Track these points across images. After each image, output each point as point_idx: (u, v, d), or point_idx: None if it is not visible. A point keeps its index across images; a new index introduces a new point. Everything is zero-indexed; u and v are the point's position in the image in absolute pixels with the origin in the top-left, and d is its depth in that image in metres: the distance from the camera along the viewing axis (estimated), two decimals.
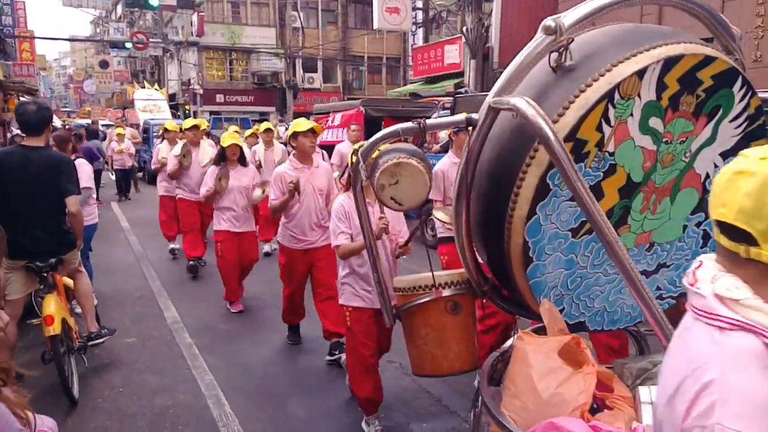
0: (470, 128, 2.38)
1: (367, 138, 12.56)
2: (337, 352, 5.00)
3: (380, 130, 6.88)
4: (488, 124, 2.30)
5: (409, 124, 2.47)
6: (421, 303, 2.79)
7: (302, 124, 4.96)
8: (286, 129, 18.90)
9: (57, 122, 19.15)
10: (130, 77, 44.13)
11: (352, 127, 9.55)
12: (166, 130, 9.25)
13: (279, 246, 5.30)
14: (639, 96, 2.18)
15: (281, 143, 9.74)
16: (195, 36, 31.85)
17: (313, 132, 4.94)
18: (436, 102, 12.87)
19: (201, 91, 31.90)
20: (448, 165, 4.89)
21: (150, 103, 24.68)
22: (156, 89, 27.52)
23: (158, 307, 6.53)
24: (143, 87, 28.39)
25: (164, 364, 5.07)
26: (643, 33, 2.33)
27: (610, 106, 2.15)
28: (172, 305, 6.57)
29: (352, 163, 2.81)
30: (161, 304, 6.65)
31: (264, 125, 9.15)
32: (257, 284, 7.04)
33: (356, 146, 3.65)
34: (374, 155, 2.63)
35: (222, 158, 6.25)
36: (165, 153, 8.52)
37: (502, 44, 22.05)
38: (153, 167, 9.02)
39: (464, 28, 20.38)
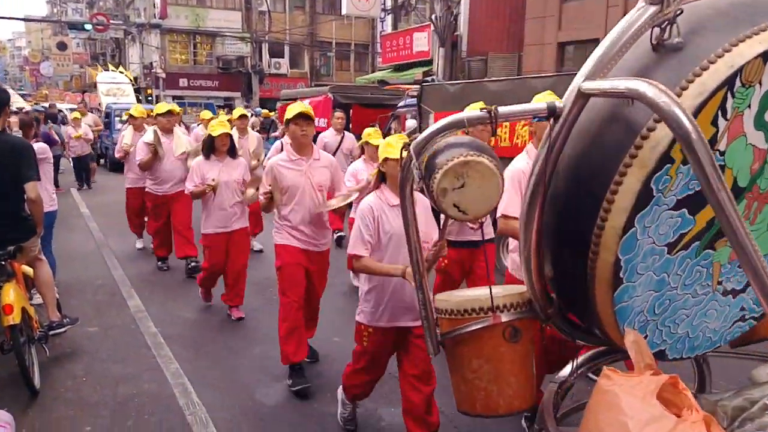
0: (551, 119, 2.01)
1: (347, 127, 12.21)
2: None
3: (348, 117, 6.56)
4: (575, 113, 1.95)
5: (477, 112, 2.07)
6: (475, 330, 2.31)
7: (291, 109, 4.30)
8: (253, 115, 18.71)
9: (24, 105, 18.56)
10: (89, 60, 43.03)
11: (337, 114, 9.35)
12: (131, 116, 8.39)
13: (276, 248, 4.47)
14: (760, 83, 1.83)
15: (255, 131, 9.60)
16: (158, 18, 31.17)
17: (305, 118, 4.25)
18: (404, 90, 12.84)
19: (164, 75, 31.30)
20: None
21: (114, 87, 23.80)
22: (121, 72, 26.67)
23: (121, 296, 6.41)
24: (107, 69, 27.59)
25: (128, 353, 4.98)
26: (760, 7, 1.95)
27: (729, 95, 1.79)
28: (135, 294, 6.45)
29: (400, 158, 2.49)
30: (124, 292, 6.52)
31: (238, 111, 8.72)
32: None
33: (390, 139, 3.37)
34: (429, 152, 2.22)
35: (210, 149, 5.63)
36: (129, 140, 7.93)
37: (471, 33, 22.10)
38: (116, 155, 8.50)
39: (433, 16, 20.35)
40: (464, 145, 2.10)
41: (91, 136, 15.02)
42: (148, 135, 7.18)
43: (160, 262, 7.50)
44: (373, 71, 31.32)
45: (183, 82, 32.53)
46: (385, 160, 3.32)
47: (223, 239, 5.64)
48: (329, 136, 8.95)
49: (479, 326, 2.29)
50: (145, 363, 4.78)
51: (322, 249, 4.54)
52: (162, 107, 7.40)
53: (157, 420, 3.95)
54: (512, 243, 3.87)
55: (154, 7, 31.61)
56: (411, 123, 9.48)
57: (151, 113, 8.54)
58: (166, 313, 5.93)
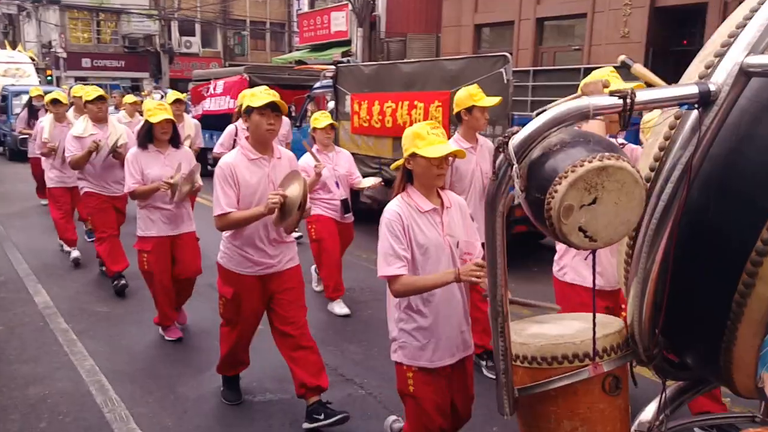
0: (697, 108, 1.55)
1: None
2: (322, 417, 3.55)
3: None
4: (733, 97, 1.53)
5: (605, 98, 1.55)
6: (570, 384, 1.80)
7: (258, 96, 3.36)
8: (162, 96, 17.98)
9: None
10: None
11: None
12: (54, 101, 7.09)
13: (219, 271, 3.70)
14: None
15: (194, 117, 9.09)
16: None
17: (273, 109, 3.37)
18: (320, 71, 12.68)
19: (65, 55, 29.59)
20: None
21: (12, 67, 21.96)
22: (21, 50, 24.71)
23: (27, 292, 6.03)
24: (3, 48, 25.66)
25: (38, 351, 4.70)
26: None
27: None
28: (43, 289, 6.09)
29: (446, 158, 2.15)
30: (30, 288, 6.14)
31: (173, 95, 7.65)
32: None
33: (421, 127, 2.68)
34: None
35: (148, 138, 4.73)
36: (49, 133, 6.91)
37: (389, 13, 22.09)
38: (38, 152, 7.38)
39: None
40: (593, 144, 1.56)
41: None
42: (79, 126, 5.99)
43: (116, 282, 6.02)
44: (290, 51, 30.79)
45: (86, 62, 30.81)
46: (413, 156, 2.65)
47: (165, 243, 4.79)
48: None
49: (575, 380, 1.79)
50: (57, 361, 4.53)
51: (288, 267, 3.74)
52: (91, 92, 6.02)
53: (72, 419, 3.76)
54: (560, 248, 3.51)
55: None
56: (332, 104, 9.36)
57: (63, 97, 7.34)
58: (77, 308, 5.63)
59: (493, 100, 4.37)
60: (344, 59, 17.91)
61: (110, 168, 5.95)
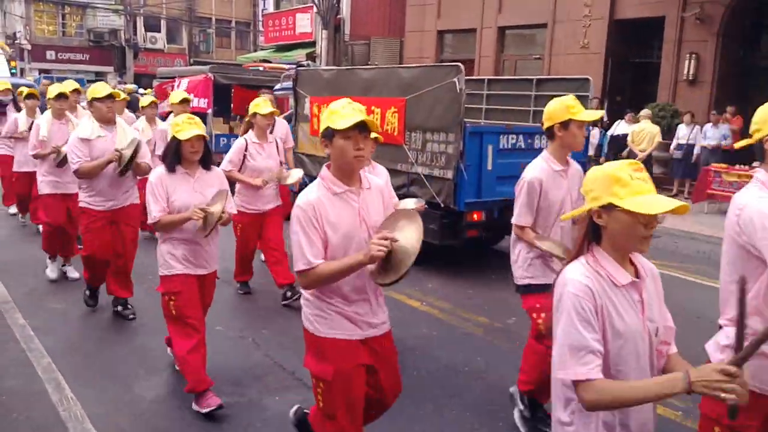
0: None
1: (218, 107, 12.04)
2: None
3: (229, 98, 6.31)
4: None
5: None
6: None
7: (340, 114, 2.60)
8: (136, 92, 17.71)
9: None
10: None
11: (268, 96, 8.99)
12: (60, 95, 6.23)
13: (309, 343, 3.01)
14: None
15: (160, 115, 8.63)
16: None
17: (361, 130, 2.59)
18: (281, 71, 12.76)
19: (29, 47, 29.03)
20: (547, 173, 3.54)
21: None
22: None
23: None
24: None
25: None
26: None
27: None
28: (0, 283, 6.07)
29: None
30: None
31: (149, 98, 7.67)
32: None
33: None
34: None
35: (177, 159, 3.93)
36: (46, 131, 6.20)
37: (354, 17, 22.24)
38: (32, 152, 6.27)
39: None
40: None
41: None
42: (85, 127, 5.07)
43: (121, 308, 5.51)
44: (255, 50, 30.67)
45: (50, 54, 30.26)
46: (610, 207, 1.89)
47: (192, 283, 4.04)
48: None
49: None
50: (12, 357, 4.54)
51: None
52: (100, 89, 5.11)
53: (26, 417, 3.78)
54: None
55: None
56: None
57: (74, 85, 6.93)
58: (35, 305, 5.64)
59: (596, 114, 3.85)
60: (305, 62, 17.92)
61: (117, 179, 5.14)
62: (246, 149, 5.67)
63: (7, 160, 8.34)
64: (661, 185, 13.24)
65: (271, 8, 27.57)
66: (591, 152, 11.53)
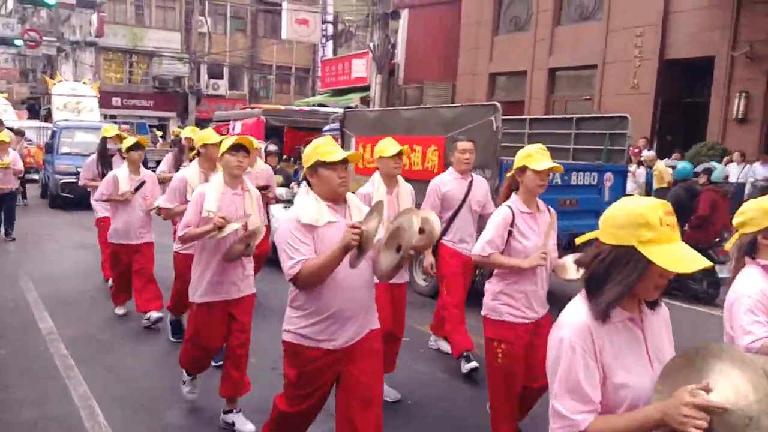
0: None
1: (280, 149, 12.25)
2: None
3: (281, 139, 6.29)
4: None
5: None
6: None
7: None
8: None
9: None
10: (18, 76, 41.63)
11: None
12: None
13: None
14: None
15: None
16: (94, 36, 30.57)
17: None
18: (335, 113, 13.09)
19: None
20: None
21: (74, 100, 19.59)
22: (85, 83, 22.46)
23: (33, 318, 6.29)
24: (65, 80, 23.95)
25: (36, 376, 4.91)
26: None
27: None
28: (48, 316, 6.34)
29: None
30: (36, 315, 6.39)
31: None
32: None
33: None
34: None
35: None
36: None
37: (408, 61, 22.68)
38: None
39: (371, 44, 20.78)
40: None
41: (20, 165, 10.15)
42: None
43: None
44: (313, 95, 31.53)
45: (116, 101, 31.87)
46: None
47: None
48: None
49: None
50: (53, 386, 4.72)
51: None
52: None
53: None
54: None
55: (91, 25, 31.02)
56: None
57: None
58: (78, 335, 5.85)
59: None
60: (354, 105, 18.20)
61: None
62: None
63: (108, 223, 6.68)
64: None
65: (330, 55, 28.42)
66: (635, 190, 11.26)
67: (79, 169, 12.44)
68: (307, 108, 16.65)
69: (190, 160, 6.60)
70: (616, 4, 15.93)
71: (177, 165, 7.31)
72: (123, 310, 6.44)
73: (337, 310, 2.88)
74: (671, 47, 14.90)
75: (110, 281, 6.98)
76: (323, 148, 2.91)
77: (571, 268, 3.36)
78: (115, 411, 4.33)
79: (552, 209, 3.74)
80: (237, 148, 3.95)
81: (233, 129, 13.00)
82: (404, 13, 22.11)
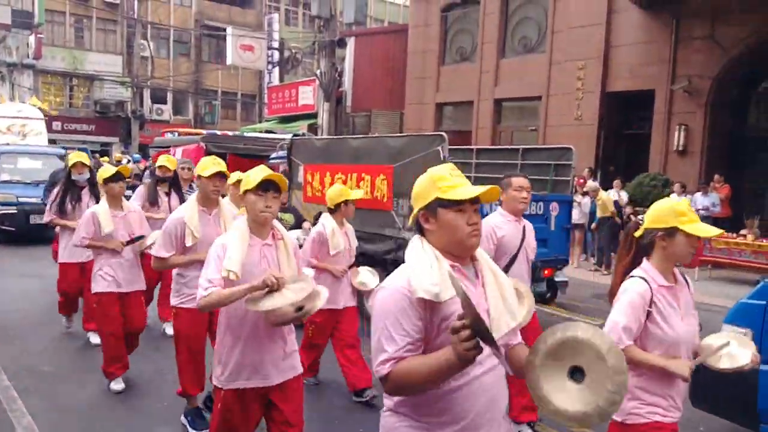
0: None
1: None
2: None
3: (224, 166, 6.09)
4: None
5: None
6: None
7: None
8: (130, 161, 17.99)
9: None
10: None
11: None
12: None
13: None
14: None
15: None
16: (32, 59, 29.76)
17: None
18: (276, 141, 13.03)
19: None
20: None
21: (19, 123, 17.33)
22: (33, 103, 20.24)
23: None
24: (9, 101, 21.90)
25: None
26: None
27: None
28: None
29: None
30: None
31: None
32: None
33: None
34: None
35: None
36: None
37: (355, 89, 22.94)
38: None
39: (318, 71, 20.95)
40: None
41: None
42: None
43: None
44: (260, 121, 31.43)
45: (56, 125, 30.87)
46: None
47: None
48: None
49: None
50: None
51: None
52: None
53: None
54: None
55: (28, 46, 30.19)
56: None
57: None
58: (20, 366, 5.62)
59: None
60: (301, 132, 18.14)
61: None
62: None
63: (73, 270, 6.33)
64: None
65: (276, 81, 28.46)
66: (579, 219, 11.67)
67: (21, 199, 12.28)
68: (249, 134, 16.53)
69: (167, 194, 6.61)
70: (559, 37, 16.56)
71: (152, 199, 6.52)
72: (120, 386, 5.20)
73: (475, 417, 1.98)
74: (613, 80, 15.54)
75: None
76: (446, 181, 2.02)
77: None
78: None
79: (689, 281, 2.84)
80: (266, 186, 3.06)
81: (174, 155, 12.77)
82: (350, 42, 22.42)
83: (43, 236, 11.62)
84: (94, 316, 5.49)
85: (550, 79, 16.70)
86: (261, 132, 22.85)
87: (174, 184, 6.75)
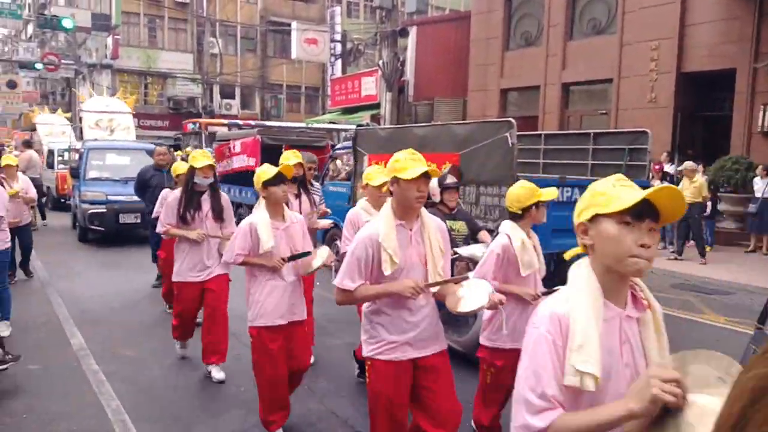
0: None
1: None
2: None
3: (279, 157, 6.10)
4: None
5: None
6: None
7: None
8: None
9: None
10: (39, 98, 42.35)
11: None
12: (275, 180, 4.18)
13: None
14: None
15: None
16: (109, 59, 31.11)
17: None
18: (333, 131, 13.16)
19: None
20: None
21: (106, 117, 17.89)
22: (120, 98, 20.70)
23: (64, 334, 6.39)
24: (54, 111, 24.74)
25: (69, 390, 4.99)
26: None
27: None
28: (78, 332, 6.44)
29: None
30: (67, 330, 6.50)
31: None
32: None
33: None
34: None
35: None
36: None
37: (417, 78, 22.84)
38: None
39: (380, 62, 20.98)
40: None
41: (33, 192, 8.65)
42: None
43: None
44: (323, 113, 31.81)
45: (134, 121, 32.33)
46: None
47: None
48: None
49: None
50: (85, 400, 4.79)
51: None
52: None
53: None
54: None
55: (106, 47, 31.59)
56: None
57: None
58: (108, 351, 5.93)
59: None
60: (365, 123, 18.27)
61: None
62: None
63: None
64: (736, 241, 12.73)
65: (338, 73, 28.71)
66: None
67: (110, 198, 11.69)
68: (296, 125, 16.71)
69: (296, 196, 5.68)
70: (630, 17, 15.98)
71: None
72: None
73: None
74: (689, 60, 14.89)
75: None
76: None
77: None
78: (145, 425, 4.41)
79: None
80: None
81: (234, 148, 13.15)
82: (412, 31, 22.33)
83: (134, 236, 12.22)
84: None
85: (621, 61, 16.16)
86: (325, 123, 23.17)
87: (303, 184, 5.79)
